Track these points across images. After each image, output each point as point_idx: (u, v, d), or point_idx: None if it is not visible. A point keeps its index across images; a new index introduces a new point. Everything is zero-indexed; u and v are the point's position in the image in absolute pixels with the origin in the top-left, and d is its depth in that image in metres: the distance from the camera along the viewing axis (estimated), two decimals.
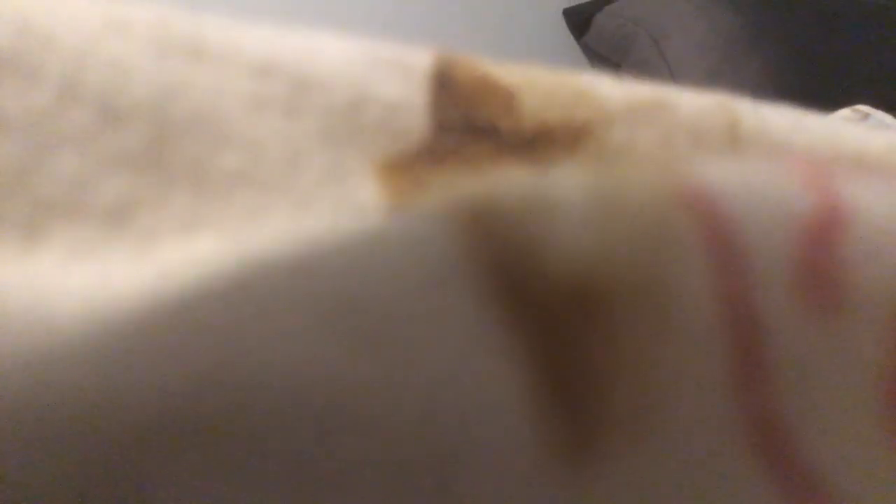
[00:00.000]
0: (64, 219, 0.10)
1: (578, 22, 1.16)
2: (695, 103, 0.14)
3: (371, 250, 0.09)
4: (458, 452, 0.08)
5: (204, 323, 0.08)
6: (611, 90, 0.14)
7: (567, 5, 1.20)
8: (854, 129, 0.14)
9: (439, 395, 0.08)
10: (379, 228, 0.10)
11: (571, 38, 1.18)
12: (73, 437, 0.08)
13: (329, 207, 0.12)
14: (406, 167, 0.13)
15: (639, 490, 0.09)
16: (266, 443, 0.08)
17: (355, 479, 0.08)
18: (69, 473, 0.07)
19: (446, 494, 0.08)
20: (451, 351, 0.09)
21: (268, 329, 0.08)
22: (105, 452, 0.08)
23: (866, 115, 0.44)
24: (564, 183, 0.10)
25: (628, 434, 0.09)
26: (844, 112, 0.44)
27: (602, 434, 0.09)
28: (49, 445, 0.08)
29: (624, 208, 0.10)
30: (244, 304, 0.09)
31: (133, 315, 0.09)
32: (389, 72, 0.13)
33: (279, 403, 0.08)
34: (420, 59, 0.14)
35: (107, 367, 0.08)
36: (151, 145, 0.11)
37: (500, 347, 0.09)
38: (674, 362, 0.09)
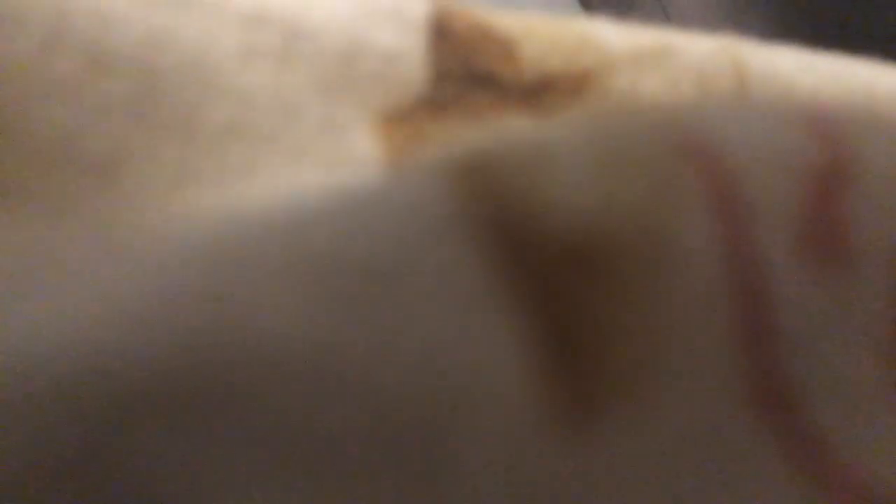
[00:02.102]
0: (51, 171, 0.10)
1: None
2: (700, 47, 0.14)
3: (364, 206, 0.09)
4: (454, 414, 0.08)
5: (187, 287, 0.08)
6: (614, 36, 0.14)
7: None
8: (863, 67, 0.14)
9: (434, 355, 0.08)
10: (372, 183, 0.09)
11: None
12: (49, 407, 0.07)
13: (325, 161, 0.12)
14: (405, 119, 0.13)
15: (642, 452, 0.09)
16: (253, 409, 0.08)
17: (346, 442, 0.08)
18: (46, 447, 0.07)
19: (441, 457, 0.08)
20: (447, 309, 0.08)
21: (255, 292, 0.08)
22: (84, 424, 0.07)
23: None
24: (565, 134, 0.10)
25: (631, 395, 0.09)
26: None
27: (604, 394, 0.09)
28: (23, 417, 0.07)
29: (626, 160, 0.10)
30: (230, 267, 0.08)
31: (114, 279, 0.08)
32: (386, 21, 0.13)
33: (266, 369, 0.08)
34: (417, 9, 0.14)
35: (85, 333, 0.08)
36: (140, 96, 0.11)
37: (498, 304, 0.09)
38: (677, 320, 0.09)
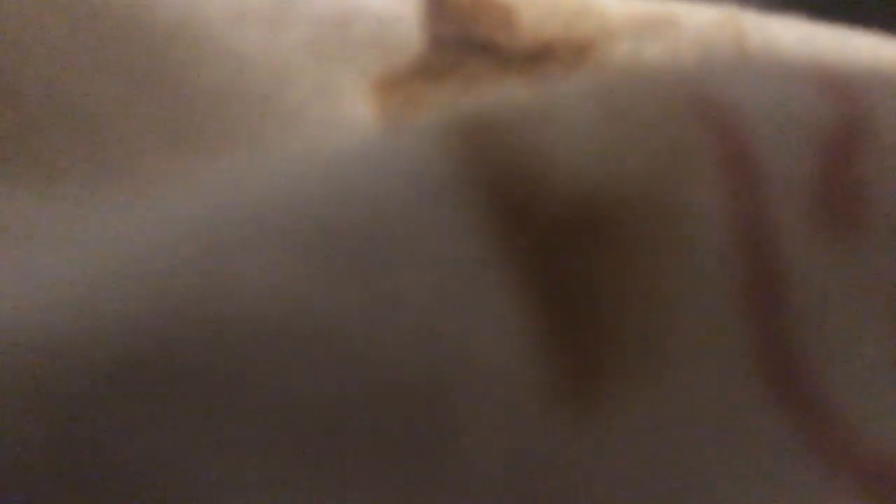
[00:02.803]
0: (42, 131, 0.10)
1: None
2: (701, 17, 0.14)
3: (359, 169, 0.09)
4: (455, 382, 0.08)
5: (177, 253, 0.08)
6: (615, 4, 0.14)
7: None
8: (865, 39, 0.14)
9: (431, 322, 0.08)
10: (367, 146, 0.09)
11: None
12: (33, 382, 0.07)
13: (319, 126, 0.12)
14: (400, 84, 0.12)
15: (651, 426, 0.08)
16: (246, 378, 0.07)
17: (344, 413, 0.08)
18: (30, 423, 0.07)
19: (442, 427, 0.08)
20: (444, 276, 0.08)
21: (245, 260, 0.08)
22: (69, 398, 0.07)
23: None
24: (567, 94, 0.10)
25: (638, 367, 0.09)
26: None
27: (610, 366, 0.09)
28: (5, 392, 0.07)
29: (632, 120, 0.09)
30: (221, 233, 0.08)
31: (100, 249, 0.08)
32: None
33: (258, 339, 0.08)
34: None
35: (69, 306, 0.08)
36: (129, 57, 0.11)
37: (498, 272, 0.08)
38: (685, 289, 0.09)
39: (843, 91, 0.10)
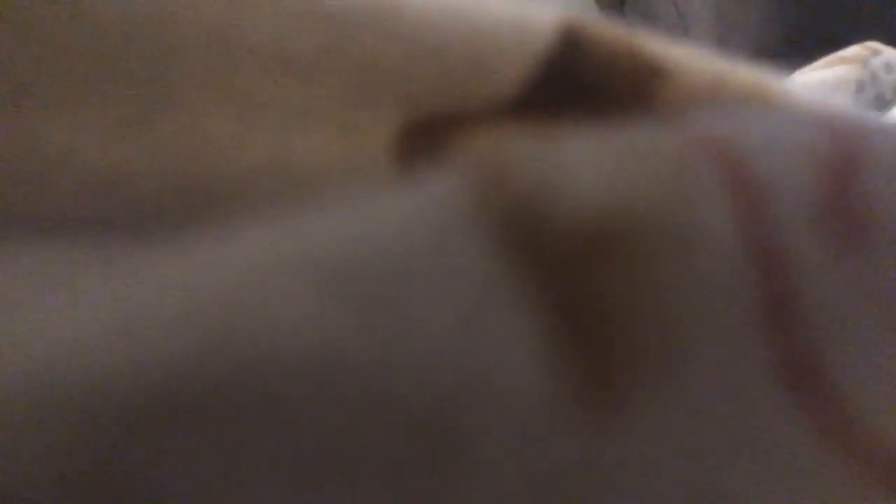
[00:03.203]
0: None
1: None
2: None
3: (375, 207, 0.09)
4: (472, 402, 0.08)
5: (200, 292, 0.08)
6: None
7: None
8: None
9: (448, 354, 0.08)
10: (388, 186, 0.09)
11: None
12: (73, 416, 0.07)
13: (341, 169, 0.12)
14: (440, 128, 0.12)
15: (669, 434, 0.09)
16: (267, 413, 0.08)
17: (359, 444, 0.08)
18: (62, 456, 0.07)
19: (454, 453, 0.08)
20: (460, 307, 0.08)
21: (267, 296, 0.08)
22: (95, 438, 0.07)
23: (876, 52, 0.43)
24: (577, 134, 0.10)
25: (656, 377, 0.09)
26: (855, 49, 0.44)
27: (627, 378, 0.09)
28: (33, 433, 0.07)
29: (638, 152, 0.10)
30: (242, 271, 0.08)
31: (139, 289, 0.08)
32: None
33: (280, 373, 0.08)
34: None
35: (98, 341, 0.08)
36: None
37: (512, 298, 0.09)
38: (699, 302, 0.09)
39: (838, 128, 0.10)
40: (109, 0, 0.09)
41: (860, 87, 0.42)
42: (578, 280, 0.09)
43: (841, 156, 0.10)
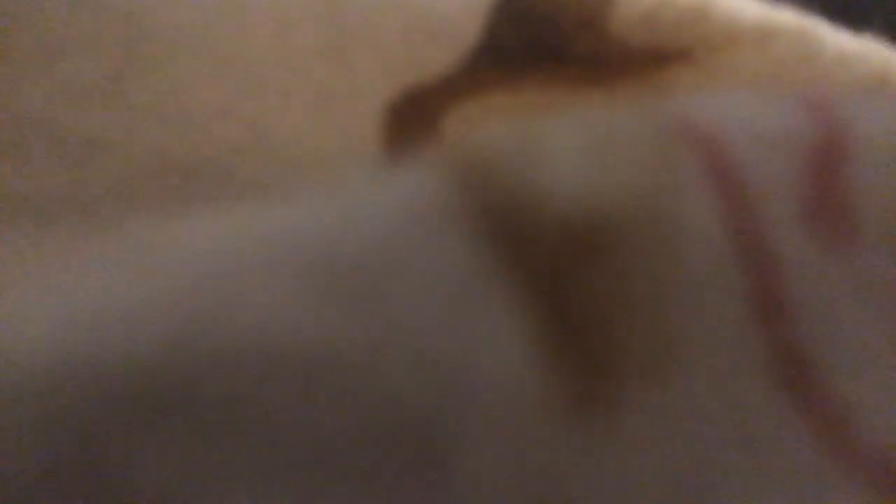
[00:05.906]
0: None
1: None
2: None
3: (357, 200, 0.09)
4: (455, 409, 0.08)
5: (173, 284, 0.08)
6: (734, 10, 0.12)
7: None
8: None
9: (433, 349, 0.08)
10: (371, 177, 0.09)
11: None
12: (42, 406, 0.07)
13: (322, 152, 0.11)
14: (420, 103, 0.12)
15: (662, 434, 0.09)
16: (242, 408, 0.08)
17: (341, 442, 0.08)
18: (38, 446, 0.07)
19: (441, 453, 0.08)
20: (445, 303, 0.08)
21: (243, 289, 0.08)
22: (77, 423, 0.07)
23: None
24: (557, 123, 0.10)
25: (647, 376, 0.09)
26: None
27: (618, 378, 0.09)
28: (10, 429, 0.07)
29: (617, 143, 0.10)
30: (216, 263, 0.08)
31: (113, 276, 0.08)
32: None
33: (256, 367, 0.08)
34: None
35: (80, 330, 0.08)
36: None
37: (499, 296, 0.09)
38: (688, 298, 0.09)
39: (824, 112, 0.10)
40: None
41: None
42: (565, 277, 0.09)
43: (828, 142, 0.10)
